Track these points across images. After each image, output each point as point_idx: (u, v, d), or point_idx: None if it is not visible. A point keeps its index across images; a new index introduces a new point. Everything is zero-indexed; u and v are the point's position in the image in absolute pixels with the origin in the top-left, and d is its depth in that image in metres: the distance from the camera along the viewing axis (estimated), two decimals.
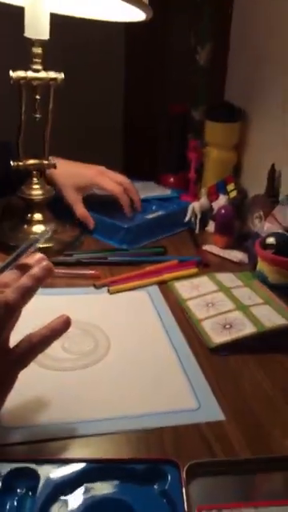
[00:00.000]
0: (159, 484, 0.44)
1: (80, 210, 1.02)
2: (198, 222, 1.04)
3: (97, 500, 0.42)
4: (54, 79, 0.88)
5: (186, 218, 1.04)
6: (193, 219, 1.05)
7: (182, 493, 0.42)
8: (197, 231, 1.04)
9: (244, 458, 0.48)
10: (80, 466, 0.45)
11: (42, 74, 0.87)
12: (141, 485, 0.44)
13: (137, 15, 0.80)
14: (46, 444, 0.50)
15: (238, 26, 1.20)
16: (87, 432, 0.51)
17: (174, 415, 0.54)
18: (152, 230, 1.02)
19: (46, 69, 0.86)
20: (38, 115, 0.90)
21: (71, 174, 1.02)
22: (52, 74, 0.87)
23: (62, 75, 0.88)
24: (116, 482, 0.44)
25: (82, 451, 0.49)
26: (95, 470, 0.45)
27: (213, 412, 0.55)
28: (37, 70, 0.86)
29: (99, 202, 1.08)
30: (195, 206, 1.05)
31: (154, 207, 1.09)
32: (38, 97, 0.89)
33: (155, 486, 0.44)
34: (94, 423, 0.52)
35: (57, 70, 0.88)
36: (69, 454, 0.48)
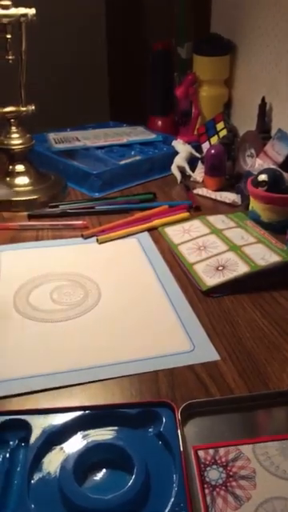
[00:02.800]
0: (154, 427, 0.43)
1: None
2: (187, 169, 1.00)
3: (91, 446, 0.41)
4: (25, 15, 0.81)
5: (178, 180, 0.99)
6: (185, 167, 1.01)
7: (177, 434, 0.41)
8: (192, 177, 1.00)
9: (240, 395, 0.47)
10: (72, 414, 0.44)
11: (12, 11, 0.80)
12: (136, 428, 0.43)
13: None
14: (38, 395, 0.48)
15: None
16: (79, 380, 0.50)
17: (168, 358, 0.53)
18: (126, 176, 0.98)
19: (15, 5, 0.79)
20: (10, 57, 0.84)
21: None
22: (22, 10, 0.80)
23: (33, 10, 0.81)
24: (110, 428, 0.43)
25: (74, 400, 0.48)
26: (88, 417, 0.44)
27: (207, 353, 0.54)
28: (5, 7, 0.79)
29: (72, 151, 1.05)
30: (177, 162, 1.00)
31: (132, 152, 1.05)
32: (8, 36, 0.82)
33: (150, 429, 0.43)
34: (86, 371, 0.51)
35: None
36: (61, 404, 0.47)
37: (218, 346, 0.55)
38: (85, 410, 0.44)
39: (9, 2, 0.79)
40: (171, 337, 0.56)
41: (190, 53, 1.14)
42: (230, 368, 0.52)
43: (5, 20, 0.80)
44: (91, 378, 0.50)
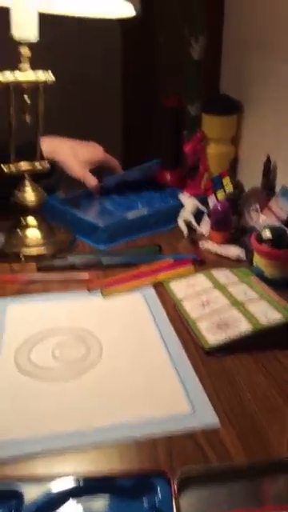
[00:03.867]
0: (149, 498, 0.42)
1: (91, 180, 1.05)
2: (194, 223, 1.02)
3: None
4: (44, 81, 0.86)
5: (185, 234, 1.01)
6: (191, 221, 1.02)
7: (173, 507, 0.40)
8: (198, 231, 1.01)
9: (238, 464, 0.46)
10: (66, 482, 0.43)
11: (31, 77, 0.85)
12: (130, 499, 0.42)
13: (127, 11, 0.77)
14: (31, 459, 0.48)
15: (230, 18, 1.17)
16: (75, 444, 0.49)
17: (167, 422, 0.52)
18: (132, 228, 1.00)
19: (34, 68, 0.84)
20: (28, 117, 0.89)
21: (73, 147, 1.05)
22: (41, 76, 0.85)
23: (51, 76, 0.86)
24: (104, 498, 0.42)
25: (69, 465, 0.47)
26: (82, 486, 0.43)
27: (207, 416, 0.53)
28: (25, 72, 0.84)
29: (78, 201, 1.08)
30: (183, 216, 1.02)
31: (139, 205, 1.07)
32: (27, 98, 0.87)
33: (145, 501, 0.42)
34: (83, 435, 0.50)
35: (55, 68, 0.86)
36: (56, 469, 0.46)
37: (219, 408, 0.55)
38: (79, 479, 0.43)
39: (28, 68, 0.83)
40: (171, 399, 0.56)
41: (199, 111, 1.19)
42: (229, 432, 0.51)
43: (24, 85, 0.85)
44: (87, 442, 0.49)
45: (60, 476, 0.44)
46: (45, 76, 0.85)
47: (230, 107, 1.11)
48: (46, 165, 0.93)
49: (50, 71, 0.86)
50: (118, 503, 0.42)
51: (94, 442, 0.50)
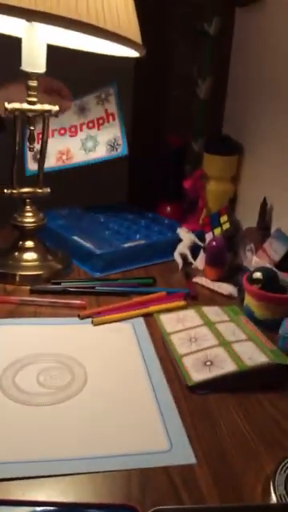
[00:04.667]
0: None
1: None
2: (189, 257, 1.04)
3: None
4: (49, 111, 0.89)
5: (180, 267, 1.03)
6: (187, 255, 1.04)
7: None
8: (193, 265, 1.03)
9: (208, 506, 0.46)
10: (34, 509, 0.43)
11: (37, 107, 0.88)
12: None
13: (130, 52, 0.82)
14: (5, 484, 0.48)
15: (235, 61, 1.22)
16: (50, 472, 0.49)
17: (144, 457, 0.53)
18: (129, 258, 1.02)
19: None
20: (32, 146, 0.92)
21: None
22: (46, 106, 0.89)
23: (56, 107, 0.89)
24: None
25: (43, 492, 0.47)
26: None
27: (184, 455, 0.53)
28: (32, 103, 0.88)
29: (78, 226, 1.10)
30: (180, 249, 1.04)
31: (138, 236, 1.09)
32: (32, 128, 0.91)
33: None
34: (58, 463, 0.51)
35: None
36: (30, 495, 0.46)
37: (197, 447, 0.55)
38: (46, 506, 0.44)
39: (35, 99, 0.87)
40: (150, 434, 0.56)
41: (202, 148, 1.23)
42: (205, 473, 0.51)
43: (30, 114, 0.88)
44: (62, 471, 0.50)
45: (31, 503, 0.44)
46: (50, 106, 0.88)
47: (231, 148, 1.15)
48: (47, 190, 0.95)
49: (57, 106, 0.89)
50: None
51: (68, 471, 0.50)
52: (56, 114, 0.90)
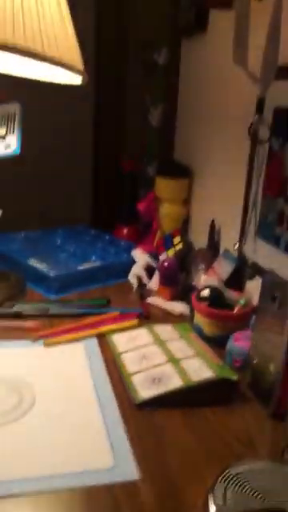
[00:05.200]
0: None
1: None
2: (144, 278, 1.06)
3: None
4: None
5: (134, 288, 1.05)
6: (142, 276, 1.06)
7: None
8: (148, 286, 1.05)
9: None
10: None
11: None
12: None
13: (73, 79, 0.84)
14: None
15: (184, 89, 1.28)
16: None
17: (88, 475, 0.53)
18: (84, 280, 1.03)
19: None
20: None
21: None
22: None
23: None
24: None
25: None
26: None
27: (128, 471, 0.54)
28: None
29: (35, 250, 1.11)
30: (135, 271, 1.07)
31: (93, 257, 1.11)
32: None
33: None
34: (1, 485, 0.50)
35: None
36: None
37: (142, 464, 0.55)
38: None
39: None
40: (95, 452, 0.57)
41: (155, 173, 1.27)
42: (147, 490, 0.52)
43: None
44: (4, 492, 0.49)
45: None
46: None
47: (182, 171, 1.19)
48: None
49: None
50: None
51: (10, 492, 0.49)
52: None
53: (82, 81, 0.78)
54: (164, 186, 1.20)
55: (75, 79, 0.80)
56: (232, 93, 1.01)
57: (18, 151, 0.97)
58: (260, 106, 0.77)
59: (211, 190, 1.12)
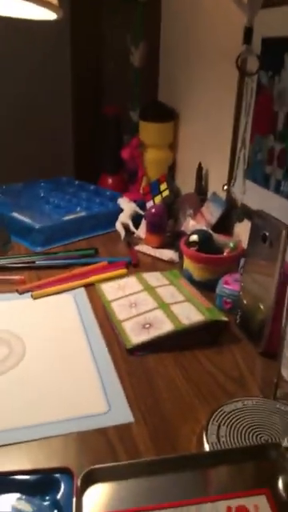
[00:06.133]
0: (51, 494, 0.42)
1: None
2: (131, 226, 1.04)
3: None
4: None
5: (122, 237, 1.02)
6: (129, 224, 1.04)
7: (72, 503, 0.41)
8: (135, 234, 1.03)
9: (143, 460, 0.47)
10: None
11: None
12: (33, 496, 0.42)
13: (48, 15, 0.78)
14: None
15: (166, 27, 1.20)
16: None
17: (82, 421, 0.53)
18: (70, 231, 1.01)
19: None
20: None
21: None
22: None
23: None
24: (8, 495, 0.42)
25: None
26: None
27: (122, 415, 0.54)
28: None
29: (16, 201, 1.08)
30: (122, 219, 1.04)
31: (78, 208, 1.08)
32: None
33: (47, 497, 0.42)
34: None
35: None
36: None
37: (135, 407, 0.56)
38: None
39: None
40: (89, 398, 0.57)
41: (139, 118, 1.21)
42: (142, 431, 0.52)
43: None
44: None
45: None
46: None
47: (166, 114, 1.14)
48: None
49: None
50: (21, 500, 0.42)
51: (4, 441, 0.49)
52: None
53: (58, 16, 0.72)
54: (148, 131, 1.15)
55: (50, 15, 0.74)
56: (219, 26, 0.95)
57: None
58: (247, 36, 0.72)
59: (198, 133, 1.08)
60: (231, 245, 0.81)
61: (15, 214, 1.03)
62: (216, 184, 0.99)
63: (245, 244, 0.81)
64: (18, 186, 1.22)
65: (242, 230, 0.87)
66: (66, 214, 1.05)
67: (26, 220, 1.00)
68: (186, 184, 1.11)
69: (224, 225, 0.91)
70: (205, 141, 1.04)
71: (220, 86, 0.96)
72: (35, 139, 1.41)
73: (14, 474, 0.43)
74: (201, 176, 1.00)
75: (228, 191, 0.89)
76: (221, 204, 0.90)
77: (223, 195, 0.93)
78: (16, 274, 0.85)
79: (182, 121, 1.15)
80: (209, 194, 0.99)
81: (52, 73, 1.38)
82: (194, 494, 0.43)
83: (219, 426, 0.50)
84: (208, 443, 0.48)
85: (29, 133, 1.40)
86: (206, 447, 0.48)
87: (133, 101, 1.30)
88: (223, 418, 0.51)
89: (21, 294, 0.80)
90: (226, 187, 0.87)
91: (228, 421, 0.51)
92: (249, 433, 0.50)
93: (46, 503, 0.42)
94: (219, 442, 0.48)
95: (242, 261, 0.76)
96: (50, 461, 0.48)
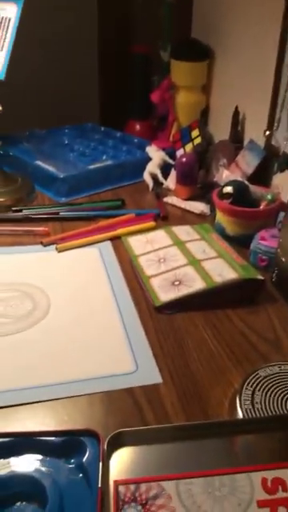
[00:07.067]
0: (77, 457, 0.41)
1: None
2: (160, 176, 0.98)
3: (5, 478, 0.38)
4: None
5: (150, 188, 0.96)
6: (158, 174, 0.98)
7: (99, 466, 0.39)
8: (164, 185, 0.97)
9: (172, 425, 0.45)
10: None
11: None
12: (58, 458, 0.41)
13: None
14: None
15: None
16: (7, 402, 0.47)
17: (108, 380, 0.51)
18: (95, 181, 0.96)
19: None
20: None
21: None
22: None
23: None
24: (32, 457, 0.41)
25: (1, 423, 0.45)
26: (10, 444, 0.41)
27: (150, 375, 0.52)
28: None
29: (40, 150, 1.03)
30: (150, 169, 0.98)
31: (104, 156, 1.02)
32: None
33: (72, 460, 0.41)
34: (18, 392, 0.49)
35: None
36: None
37: (163, 367, 0.53)
38: (6, 437, 0.42)
39: None
40: (115, 356, 0.54)
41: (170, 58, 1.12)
42: (170, 392, 0.50)
43: None
44: (21, 400, 0.48)
45: None
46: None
47: (200, 53, 1.04)
48: None
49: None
50: (45, 461, 0.40)
51: (28, 400, 0.48)
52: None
53: None
54: (180, 71, 1.06)
55: None
56: None
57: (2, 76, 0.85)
58: None
59: (235, 73, 0.99)
60: (269, 197, 0.75)
61: (39, 163, 0.98)
62: (253, 131, 0.91)
63: (285, 197, 0.75)
64: (41, 132, 1.16)
65: (282, 182, 0.81)
66: (91, 162, 1.00)
67: (50, 169, 0.95)
68: (220, 131, 1.03)
69: (261, 176, 0.84)
70: (242, 82, 0.94)
71: (262, 20, 0.85)
72: (59, 82, 1.33)
73: (38, 435, 0.42)
74: (237, 121, 0.92)
75: (269, 138, 0.82)
76: (259, 152, 0.83)
77: (261, 143, 0.85)
78: (40, 225, 0.82)
79: (217, 60, 1.05)
80: (245, 142, 0.91)
81: (77, 7, 1.28)
82: (226, 463, 0.40)
83: (254, 392, 0.47)
84: (242, 409, 0.45)
85: (52, 75, 1.32)
86: (240, 414, 0.45)
87: (164, 39, 1.19)
88: (258, 383, 0.48)
89: (45, 246, 0.77)
90: (267, 133, 0.79)
91: (264, 386, 0.48)
92: (286, 400, 0.46)
93: (70, 466, 0.40)
94: (253, 408, 0.45)
95: (281, 215, 0.70)
96: (74, 421, 0.46)
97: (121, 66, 1.28)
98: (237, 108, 0.92)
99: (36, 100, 1.30)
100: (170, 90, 1.07)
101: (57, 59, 1.31)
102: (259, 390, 0.47)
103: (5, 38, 0.85)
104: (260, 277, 0.64)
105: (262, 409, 0.45)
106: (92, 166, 0.97)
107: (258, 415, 0.45)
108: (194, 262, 0.68)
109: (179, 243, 0.74)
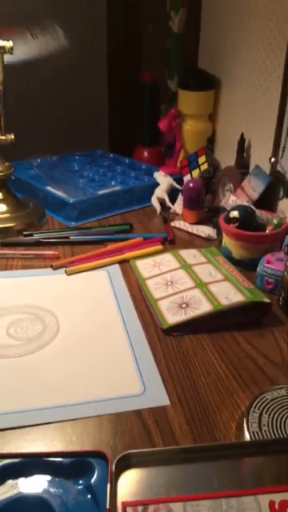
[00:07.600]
0: (85, 478, 0.41)
1: None
2: (167, 201, 1.00)
3: (14, 499, 0.39)
4: (3, 47, 0.82)
5: (158, 212, 0.99)
6: (165, 199, 1.00)
7: (107, 488, 0.39)
8: (171, 209, 0.99)
9: (179, 447, 0.45)
10: (2, 461, 0.42)
11: None
12: (67, 479, 0.41)
13: None
14: None
15: None
16: (17, 423, 0.48)
17: (116, 402, 0.51)
18: (104, 206, 0.98)
19: None
20: None
21: None
22: (0, 43, 0.82)
23: (10, 43, 0.82)
24: (41, 478, 0.41)
25: (11, 444, 0.46)
26: (19, 466, 0.42)
27: (158, 397, 0.52)
28: None
29: (51, 176, 1.06)
30: (158, 194, 1.00)
31: (113, 182, 1.04)
32: None
33: (81, 481, 0.41)
34: (27, 414, 0.49)
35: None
36: None
37: (171, 389, 0.54)
38: (14, 458, 0.42)
39: None
40: (123, 378, 0.55)
41: (177, 87, 1.16)
42: (178, 414, 0.50)
43: None
44: (31, 421, 0.48)
45: None
46: (3, 42, 0.81)
47: (207, 82, 1.08)
48: (11, 136, 0.89)
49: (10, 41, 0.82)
50: (54, 483, 0.41)
51: (38, 421, 0.48)
52: (10, 51, 0.82)
53: None
54: (187, 100, 1.09)
55: None
56: None
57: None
58: None
59: (240, 102, 1.02)
60: (275, 221, 0.76)
61: (49, 188, 1.01)
62: (259, 157, 0.93)
63: None
64: (52, 159, 1.19)
65: (287, 207, 0.82)
66: (100, 188, 1.02)
67: (61, 194, 0.98)
68: (226, 157, 1.06)
69: (267, 201, 0.85)
70: (248, 110, 0.97)
71: (267, 51, 0.89)
72: (69, 110, 1.38)
73: (47, 456, 0.42)
74: (242, 148, 0.95)
75: (274, 164, 0.84)
76: (264, 178, 0.85)
77: (267, 169, 0.87)
78: (50, 249, 0.84)
79: (223, 89, 1.08)
80: (251, 168, 0.93)
81: (88, 33, 1.33)
82: (233, 485, 0.41)
83: (261, 414, 0.47)
84: (249, 432, 0.46)
85: (62, 102, 1.36)
86: (247, 436, 0.46)
87: (171, 68, 1.24)
88: (265, 406, 0.48)
89: (55, 269, 0.79)
90: (273, 159, 0.81)
91: (271, 409, 0.48)
92: None
93: (79, 487, 0.41)
94: (261, 431, 0.46)
95: (287, 239, 0.71)
96: (82, 442, 0.47)
97: (129, 95, 1.32)
98: (242, 135, 0.94)
99: (47, 128, 1.34)
100: (177, 118, 1.10)
101: (68, 89, 1.36)
102: (266, 413, 0.47)
103: None
104: (267, 300, 0.65)
105: (269, 431, 0.45)
106: (101, 192, 0.99)
107: (265, 438, 0.45)
108: (201, 285, 0.69)
109: (186, 266, 0.76)
